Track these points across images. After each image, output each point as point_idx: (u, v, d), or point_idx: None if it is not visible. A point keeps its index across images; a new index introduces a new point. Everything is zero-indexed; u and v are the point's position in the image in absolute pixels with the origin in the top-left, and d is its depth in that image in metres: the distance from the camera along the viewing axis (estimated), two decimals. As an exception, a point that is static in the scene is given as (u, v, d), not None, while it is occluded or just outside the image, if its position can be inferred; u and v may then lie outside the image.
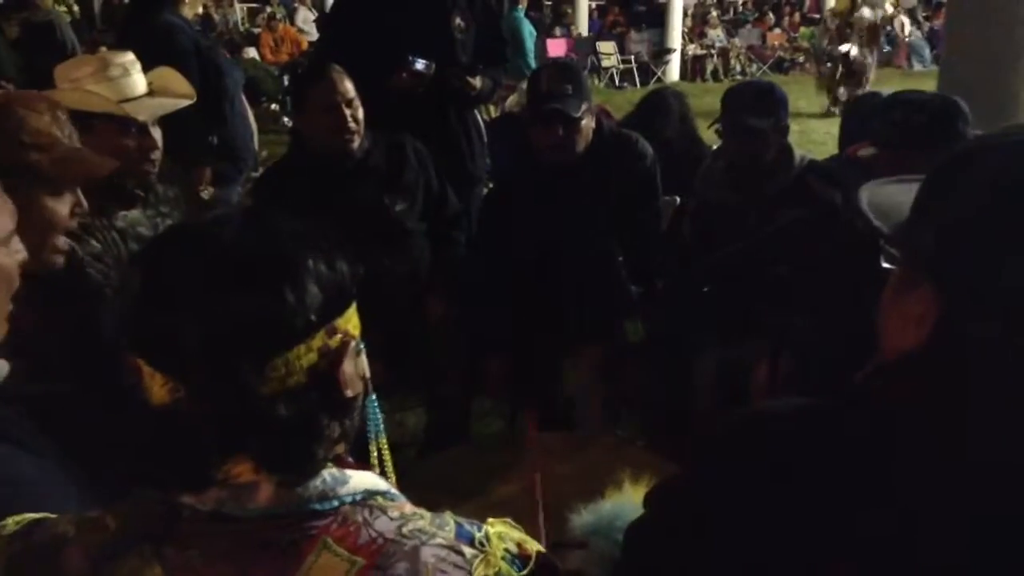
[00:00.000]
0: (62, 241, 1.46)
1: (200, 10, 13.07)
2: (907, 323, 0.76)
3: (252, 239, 0.77)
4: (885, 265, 0.83)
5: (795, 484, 0.76)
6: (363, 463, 0.88)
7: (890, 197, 0.88)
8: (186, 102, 2.15)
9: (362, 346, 0.83)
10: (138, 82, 2.06)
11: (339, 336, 0.79)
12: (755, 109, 2.45)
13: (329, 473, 0.80)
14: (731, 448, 0.84)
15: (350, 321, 0.81)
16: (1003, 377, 0.71)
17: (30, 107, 1.51)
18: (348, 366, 0.80)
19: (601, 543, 1.19)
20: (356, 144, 2.60)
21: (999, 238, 0.70)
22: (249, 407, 0.74)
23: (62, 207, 1.45)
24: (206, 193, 3.58)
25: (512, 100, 6.66)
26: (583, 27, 16.34)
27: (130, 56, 2.07)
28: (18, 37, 5.86)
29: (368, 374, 0.85)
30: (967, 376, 0.72)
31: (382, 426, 0.93)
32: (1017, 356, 0.70)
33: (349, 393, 0.80)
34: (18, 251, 1.12)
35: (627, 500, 1.24)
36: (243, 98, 4.88)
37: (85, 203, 1.49)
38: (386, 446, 0.94)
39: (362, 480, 0.82)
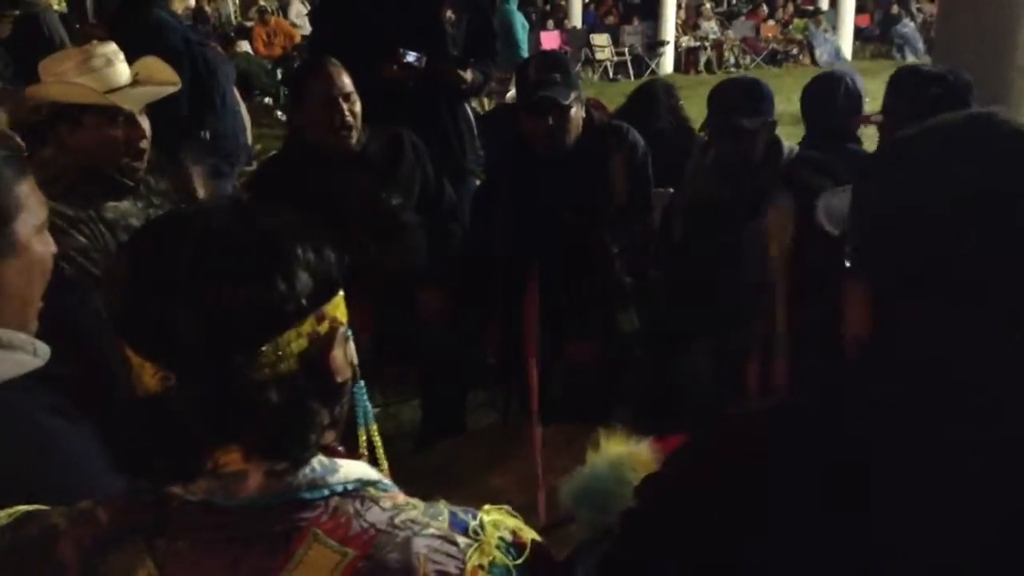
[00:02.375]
0: None
1: (192, 3, 13.02)
2: (858, 312, 0.82)
3: (240, 226, 0.78)
4: (847, 264, 0.88)
5: (783, 485, 0.78)
6: (354, 452, 0.88)
7: (844, 201, 0.94)
8: (171, 89, 2.14)
9: (350, 333, 0.83)
10: (122, 72, 2.05)
11: (328, 322, 0.80)
12: (743, 109, 2.44)
13: (318, 462, 0.79)
14: (724, 449, 0.85)
15: (338, 308, 0.82)
16: (922, 361, 0.76)
17: None
18: (338, 352, 0.81)
19: (585, 513, 1.20)
20: (354, 139, 2.59)
21: (906, 225, 0.77)
22: (241, 393, 0.74)
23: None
24: (201, 190, 3.56)
25: (512, 94, 6.67)
26: (576, 20, 16.30)
27: (112, 46, 2.06)
28: (9, 36, 5.84)
29: (356, 361, 0.85)
30: (896, 362, 0.78)
31: (371, 413, 0.93)
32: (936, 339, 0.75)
33: (339, 379, 0.81)
34: (50, 242, 1.12)
35: (600, 460, 1.24)
36: (235, 92, 4.86)
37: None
38: (376, 433, 0.94)
39: (353, 469, 0.81)
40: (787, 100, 3.53)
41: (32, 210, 1.08)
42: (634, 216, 2.72)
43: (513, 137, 2.75)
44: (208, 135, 3.84)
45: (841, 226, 0.90)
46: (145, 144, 2.04)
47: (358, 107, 2.58)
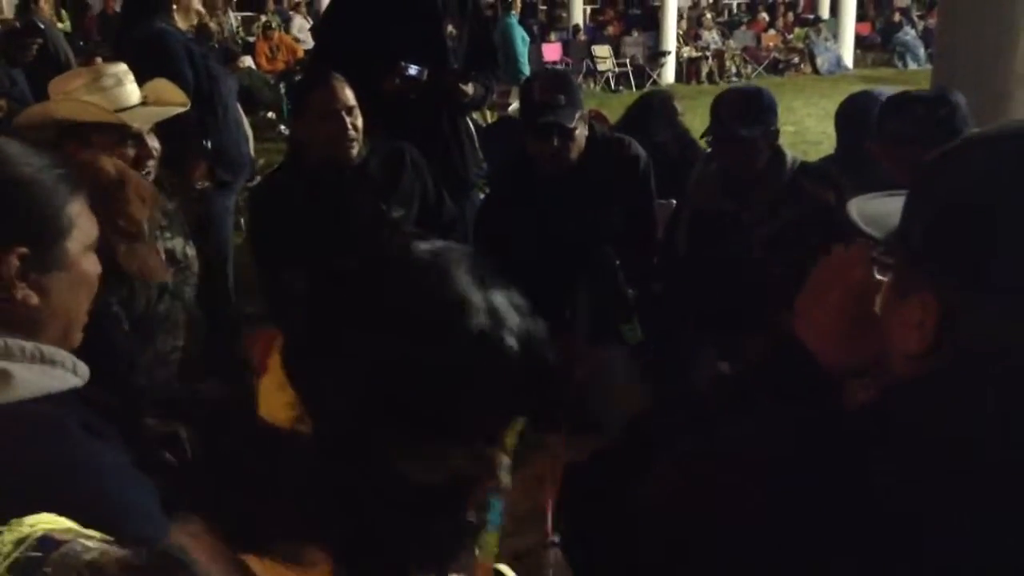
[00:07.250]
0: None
1: (194, 21, 13.08)
2: (909, 328, 0.75)
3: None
4: (878, 277, 0.83)
5: (807, 513, 0.74)
6: None
7: (879, 207, 0.89)
8: (179, 109, 2.16)
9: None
10: (132, 92, 2.07)
11: (498, 449, 0.70)
12: (744, 118, 2.45)
13: None
14: (736, 470, 0.81)
15: (511, 439, 0.72)
16: (1006, 372, 0.70)
17: (139, 194, 1.63)
18: (482, 492, 0.71)
19: None
20: (355, 152, 2.60)
21: (985, 227, 0.71)
22: (377, 472, 0.65)
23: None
24: (200, 184, 3.58)
25: (515, 108, 6.69)
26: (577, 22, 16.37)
27: (123, 67, 2.08)
28: (32, 62, 5.87)
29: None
30: (972, 374, 0.71)
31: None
32: (1017, 347, 0.69)
33: (471, 518, 0.70)
34: (96, 262, 1.14)
35: None
36: (237, 105, 4.87)
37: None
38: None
39: None
40: (787, 109, 3.54)
41: (84, 228, 1.10)
42: (637, 228, 2.72)
43: (515, 151, 2.76)
44: (210, 145, 3.85)
45: (885, 230, 0.85)
46: (153, 164, 2.06)
47: (360, 121, 2.59)
